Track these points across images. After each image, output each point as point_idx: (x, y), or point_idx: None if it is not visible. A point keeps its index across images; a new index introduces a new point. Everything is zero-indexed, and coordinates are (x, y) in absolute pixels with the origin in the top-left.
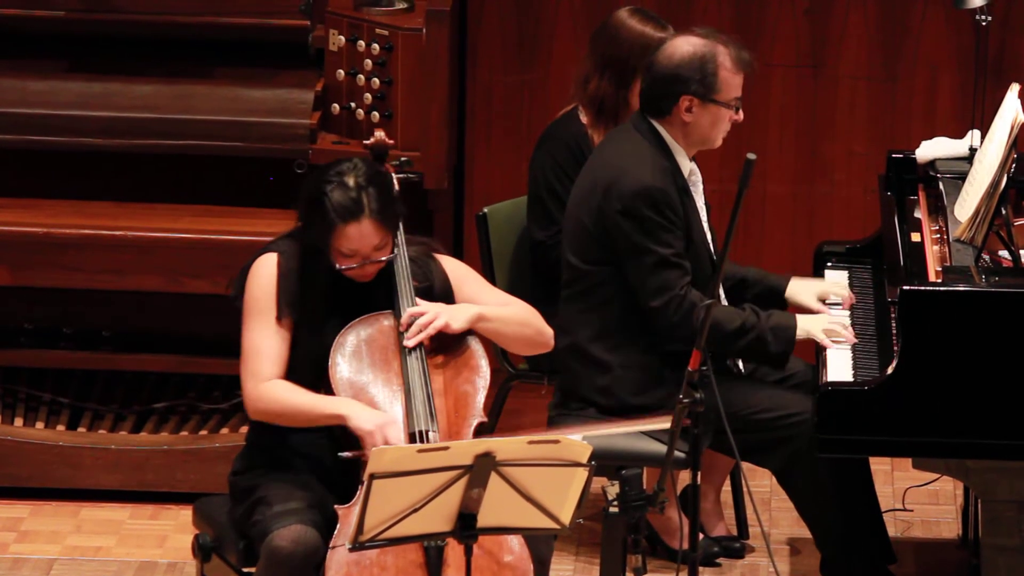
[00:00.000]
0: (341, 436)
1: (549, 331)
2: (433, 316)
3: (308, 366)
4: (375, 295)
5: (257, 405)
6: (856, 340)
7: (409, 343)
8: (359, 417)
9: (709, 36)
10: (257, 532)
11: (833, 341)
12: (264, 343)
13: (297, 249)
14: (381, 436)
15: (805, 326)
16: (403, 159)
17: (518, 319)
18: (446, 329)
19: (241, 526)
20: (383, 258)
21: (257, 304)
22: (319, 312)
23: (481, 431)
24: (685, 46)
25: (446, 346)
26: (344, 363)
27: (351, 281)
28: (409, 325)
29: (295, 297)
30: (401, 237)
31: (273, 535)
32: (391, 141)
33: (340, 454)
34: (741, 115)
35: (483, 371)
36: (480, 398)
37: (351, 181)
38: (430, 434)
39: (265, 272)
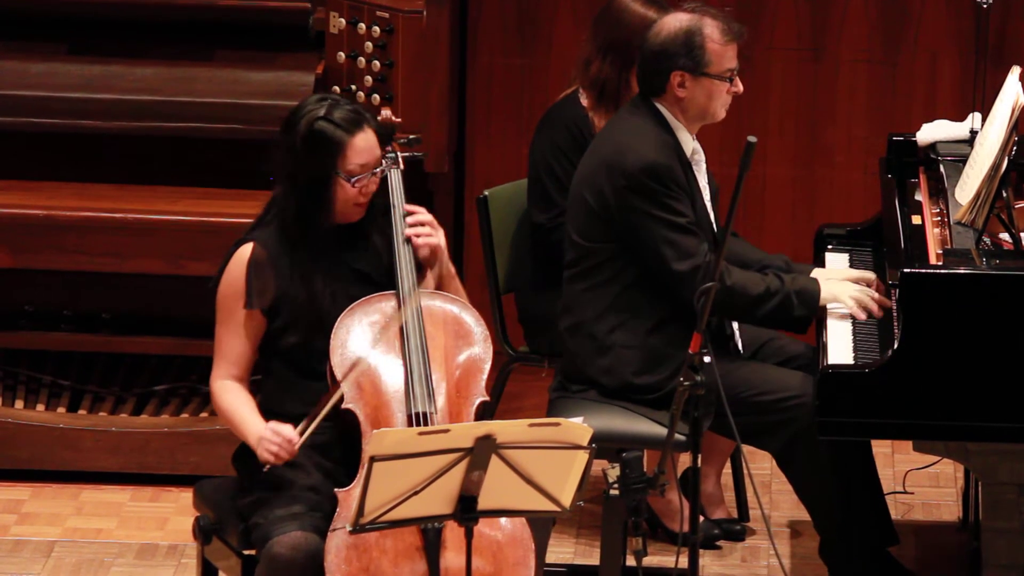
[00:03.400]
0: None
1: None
2: (436, 232)
3: (297, 328)
4: (368, 247)
5: (213, 399)
6: (882, 314)
7: (409, 232)
8: (258, 445)
9: (697, 10)
10: (258, 536)
11: (862, 310)
12: (226, 345)
13: (276, 227)
14: (271, 446)
15: (832, 290)
16: (412, 137)
17: (461, 294)
18: (436, 249)
19: (245, 519)
20: (379, 176)
21: (223, 303)
22: (308, 274)
23: (484, 410)
24: (672, 22)
25: (447, 325)
26: (345, 346)
27: (343, 236)
28: (416, 225)
29: (274, 281)
30: (397, 167)
31: (273, 542)
32: (398, 119)
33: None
34: (740, 86)
35: (485, 351)
36: (482, 378)
37: (340, 100)
38: (429, 415)
39: (234, 270)
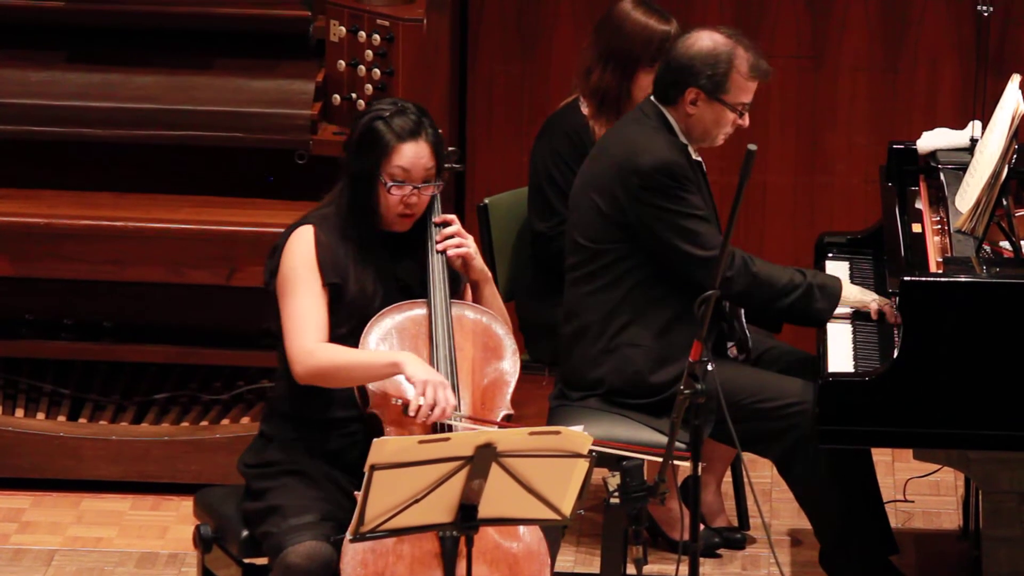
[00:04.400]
0: (360, 399)
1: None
2: (466, 242)
3: (346, 322)
4: (412, 257)
5: (309, 364)
6: (899, 322)
7: (451, 252)
8: (414, 365)
9: (733, 37)
10: (271, 545)
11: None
12: (310, 310)
13: (333, 217)
14: (431, 390)
15: (856, 295)
16: (451, 148)
17: (505, 315)
18: (468, 257)
19: (252, 525)
20: (428, 192)
21: (295, 273)
22: (359, 270)
23: (509, 424)
24: (706, 40)
25: (477, 337)
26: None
27: (390, 244)
28: (446, 237)
29: (334, 262)
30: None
31: (288, 551)
32: (440, 131)
33: (393, 400)
34: (747, 121)
35: (513, 364)
36: (508, 391)
37: (409, 109)
38: (452, 425)
39: (302, 244)
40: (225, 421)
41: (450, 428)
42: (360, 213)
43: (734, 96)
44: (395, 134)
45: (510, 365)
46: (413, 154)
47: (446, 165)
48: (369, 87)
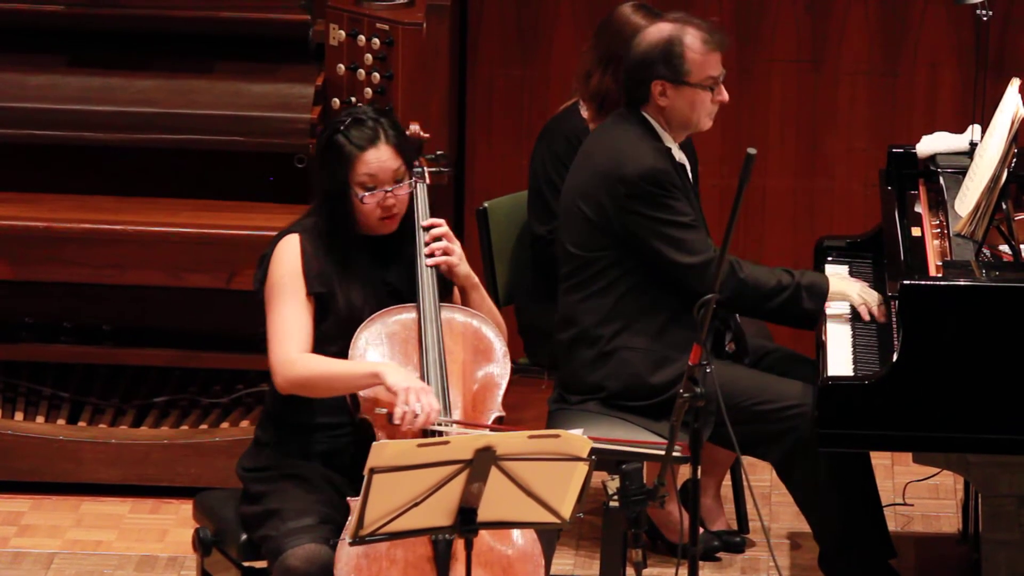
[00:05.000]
0: (351, 404)
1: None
2: (453, 248)
3: (338, 338)
4: (401, 262)
5: (289, 374)
6: (884, 320)
7: (429, 261)
8: (394, 374)
9: (679, 20)
10: (269, 548)
11: (867, 310)
12: (293, 320)
13: (318, 225)
14: (414, 397)
15: (840, 287)
16: (439, 153)
17: (498, 319)
18: (451, 265)
19: (250, 529)
20: (403, 191)
21: (282, 282)
22: (346, 283)
23: (501, 426)
24: (654, 32)
25: (466, 340)
26: (363, 356)
27: (377, 249)
28: (435, 240)
29: (320, 272)
30: (422, 181)
31: (287, 555)
32: (426, 135)
33: (377, 410)
34: (724, 94)
35: (503, 367)
36: (499, 393)
37: (363, 116)
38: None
39: (288, 252)
40: (224, 424)
41: (439, 434)
42: (340, 226)
43: (698, 75)
44: (354, 144)
45: (500, 367)
46: (375, 160)
47: (433, 169)
48: (369, 91)
